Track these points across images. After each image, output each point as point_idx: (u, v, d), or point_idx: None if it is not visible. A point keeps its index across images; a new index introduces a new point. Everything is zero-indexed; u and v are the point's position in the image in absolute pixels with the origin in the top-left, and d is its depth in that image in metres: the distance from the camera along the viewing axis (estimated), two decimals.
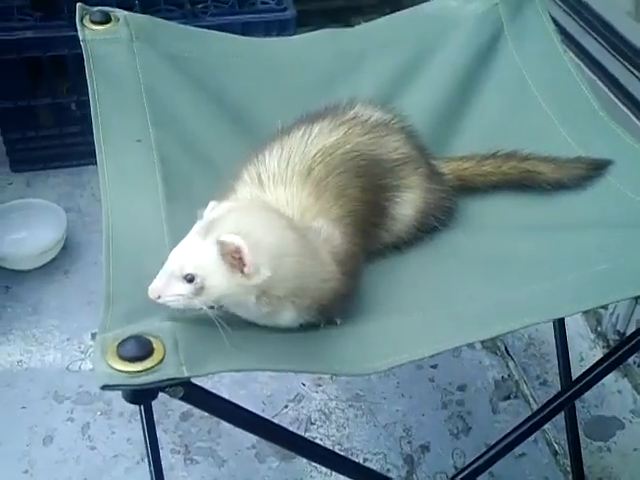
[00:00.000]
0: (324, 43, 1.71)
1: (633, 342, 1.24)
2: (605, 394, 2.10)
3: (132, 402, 0.97)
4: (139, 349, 0.94)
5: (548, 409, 1.28)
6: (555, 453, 1.96)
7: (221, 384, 2.04)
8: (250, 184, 1.27)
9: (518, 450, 1.95)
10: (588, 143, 1.51)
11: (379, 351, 1.10)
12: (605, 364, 1.25)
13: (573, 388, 1.27)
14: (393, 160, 1.41)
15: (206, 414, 1.84)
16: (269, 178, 1.26)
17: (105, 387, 0.92)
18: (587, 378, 1.25)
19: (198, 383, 0.99)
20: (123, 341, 0.96)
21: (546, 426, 2.00)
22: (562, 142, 1.53)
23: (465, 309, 1.18)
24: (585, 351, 2.18)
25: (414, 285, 1.33)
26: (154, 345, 0.95)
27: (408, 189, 1.42)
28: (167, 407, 2.00)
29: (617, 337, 2.14)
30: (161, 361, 0.94)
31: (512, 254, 1.34)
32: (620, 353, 1.25)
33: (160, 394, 0.97)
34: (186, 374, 0.93)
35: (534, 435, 1.99)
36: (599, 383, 2.15)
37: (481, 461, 1.29)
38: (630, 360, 2.11)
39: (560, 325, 1.71)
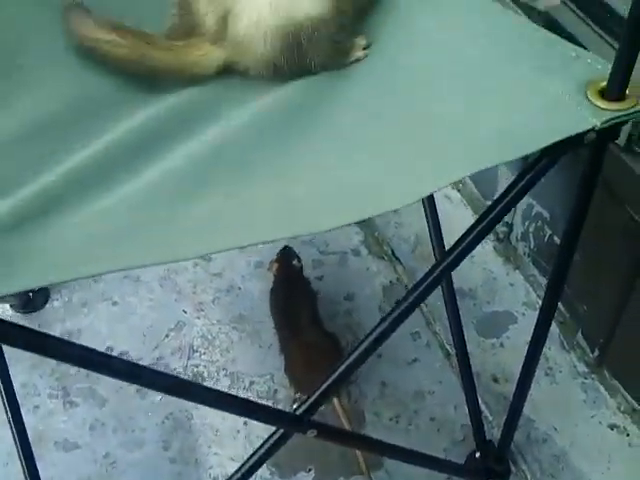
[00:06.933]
0: None
1: (501, 205, 1.11)
2: (497, 288, 2.05)
3: None
4: None
5: (424, 285, 1.15)
6: (448, 355, 1.91)
7: (99, 320, 1.94)
8: None
9: (410, 356, 1.90)
10: None
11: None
12: (477, 229, 1.12)
13: (447, 259, 1.15)
14: None
15: None
16: None
17: None
18: (460, 247, 1.12)
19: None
20: None
21: (437, 329, 1.96)
22: None
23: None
24: None
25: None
26: None
27: None
28: None
29: (504, 228, 2.08)
30: None
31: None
32: (490, 217, 1.12)
33: None
34: None
35: (426, 339, 1.95)
36: (491, 277, 2.14)
37: (357, 353, 1.16)
38: (521, 251, 2.07)
39: (429, 200, 1.56)
